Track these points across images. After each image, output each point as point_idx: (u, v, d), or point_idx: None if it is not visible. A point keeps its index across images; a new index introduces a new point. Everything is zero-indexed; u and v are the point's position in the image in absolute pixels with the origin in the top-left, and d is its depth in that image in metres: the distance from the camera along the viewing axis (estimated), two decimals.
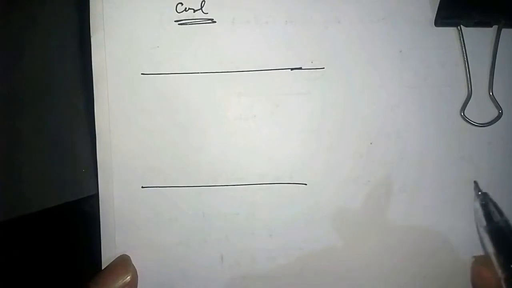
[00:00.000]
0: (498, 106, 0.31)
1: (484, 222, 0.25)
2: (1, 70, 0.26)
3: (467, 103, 0.31)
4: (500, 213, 0.25)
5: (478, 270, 0.29)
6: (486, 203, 0.26)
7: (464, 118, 0.31)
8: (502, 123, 0.31)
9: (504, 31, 0.31)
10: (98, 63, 0.31)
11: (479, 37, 0.31)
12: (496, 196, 0.31)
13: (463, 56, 0.31)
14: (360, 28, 0.31)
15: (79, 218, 0.31)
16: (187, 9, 0.31)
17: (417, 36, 0.31)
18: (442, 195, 0.31)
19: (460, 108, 0.31)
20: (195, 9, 0.31)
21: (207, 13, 0.31)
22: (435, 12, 0.31)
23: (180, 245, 0.31)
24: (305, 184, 0.31)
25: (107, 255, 0.31)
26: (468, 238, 0.31)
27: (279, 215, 0.31)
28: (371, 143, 0.31)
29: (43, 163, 0.28)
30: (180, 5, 0.31)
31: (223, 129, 0.31)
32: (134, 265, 0.31)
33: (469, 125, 0.31)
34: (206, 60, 0.31)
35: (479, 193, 0.28)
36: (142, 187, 0.31)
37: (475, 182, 0.29)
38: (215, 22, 0.31)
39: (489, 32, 0.31)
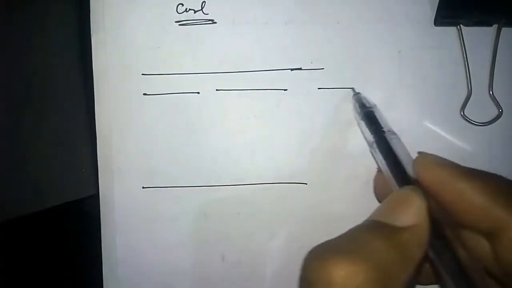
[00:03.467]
0: (498, 106, 0.31)
1: (359, 109, 0.29)
2: (2, 70, 0.26)
3: (467, 103, 0.31)
4: (370, 103, 0.29)
5: (377, 178, 0.30)
6: (359, 96, 0.30)
7: (464, 117, 0.31)
8: (502, 122, 0.31)
9: (504, 30, 0.31)
10: (99, 64, 0.31)
11: (479, 36, 0.31)
12: None
13: (463, 55, 0.31)
14: (359, 28, 0.31)
15: (79, 218, 0.31)
16: (187, 9, 0.31)
17: (417, 36, 0.31)
18: None
19: (460, 107, 0.31)
20: (196, 9, 0.31)
21: (208, 14, 0.31)
22: (435, 12, 0.31)
23: (181, 245, 0.31)
24: (305, 184, 0.31)
25: (108, 256, 0.31)
26: None
27: (280, 215, 0.31)
28: None
29: (43, 163, 0.28)
30: (180, 5, 0.31)
31: (223, 129, 0.31)
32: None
33: (469, 124, 0.31)
34: (206, 61, 0.31)
35: (354, 93, 0.31)
36: (143, 187, 0.31)
37: (353, 88, 0.31)
38: (215, 22, 0.31)
39: (489, 31, 0.31)
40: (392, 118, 0.31)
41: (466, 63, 0.31)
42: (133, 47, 0.31)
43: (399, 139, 0.27)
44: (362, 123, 0.29)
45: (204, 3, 0.31)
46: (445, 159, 0.23)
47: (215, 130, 0.31)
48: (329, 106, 0.31)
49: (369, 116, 0.28)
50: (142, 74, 0.31)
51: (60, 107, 0.30)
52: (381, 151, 0.26)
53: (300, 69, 0.31)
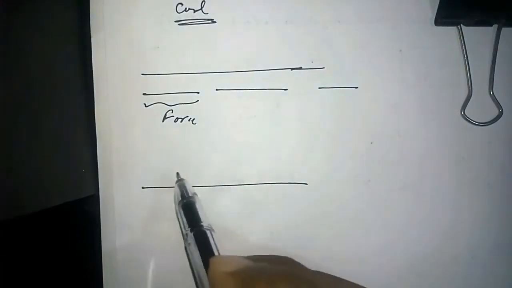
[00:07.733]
0: (498, 105, 0.31)
1: (179, 199, 0.28)
2: (2, 70, 0.26)
3: (468, 103, 0.31)
4: (189, 193, 0.29)
5: None
6: (182, 183, 0.29)
7: (465, 117, 0.31)
8: (502, 122, 0.31)
9: (504, 30, 0.31)
10: (99, 63, 0.31)
11: (479, 36, 0.31)
12: (496, 195, 0.31)
13: (463, 55, 0.31)
14: (360, 28, 0.31)
15: (79, 218, 0.31)
16: (187, 9, 0.31)
17: (417, 36, 0.31)
18: (442, 195, 0.31)
19: (460, 107, 0.31)
20: (195, 9, 0.31)
21: (207, 13, 0.31)
22: (435, 11, 0.31)
23: (181, 246, 0.31)
24: (306, 184, 0.31)
25: (108, 256, 0.31)
26: (468, 238, 0.31)
27: (280, 215, 0.31)
28: (371, 143, 0.31)
29: (43, 163, 0.28)
30: (180, 5, 0.31)
31: (223, 129, 0.31)
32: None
33: (470, 124, 0.31)
34: (206, 61, 0.31)
35: (178, 178, 0.30)
36: (143, 187, 0.31)
37: (177, 173, 0.30)
38: (215, 22, 0.31)
39: (489, 31, 0.31)
40: (392, 118, 0.31)
41: (466, 63, 0.31)
42: (133, 47, 0.31)
43: (212, 237, 0.26)
44: (181, 213, 0.28)
45: (203, 3, 0.31)
46: (234, 258, 0.22)
47: (215, 130, 0.31)
48: (329, 105, 0.31)
49: (188, 207, 0.28)
50: (142, 74, 0.31)
51: (60, 107, 0.30)
52: (195, 247, 0.25)
53: (300, 68, 0.31)
